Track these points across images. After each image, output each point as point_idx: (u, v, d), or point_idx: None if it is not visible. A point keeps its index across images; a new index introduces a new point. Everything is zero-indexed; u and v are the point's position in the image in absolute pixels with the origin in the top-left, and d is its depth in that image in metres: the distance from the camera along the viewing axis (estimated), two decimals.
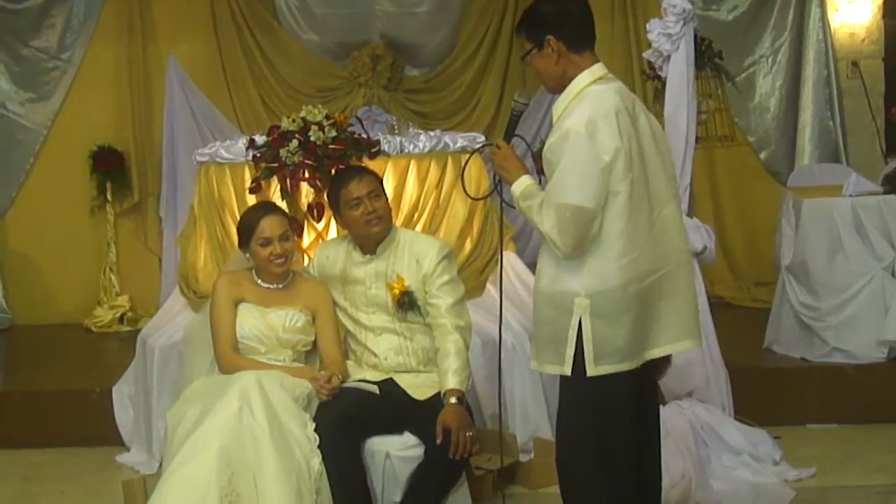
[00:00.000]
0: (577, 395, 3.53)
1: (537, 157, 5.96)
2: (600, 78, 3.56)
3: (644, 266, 3.48)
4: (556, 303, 3.50)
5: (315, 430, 4.13)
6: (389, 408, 4.36)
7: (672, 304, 3.57)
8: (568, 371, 3.49)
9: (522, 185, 3.59)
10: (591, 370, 3.46)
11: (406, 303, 4.44)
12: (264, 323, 4.44)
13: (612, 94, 3.50)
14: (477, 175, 5.80)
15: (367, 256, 4.54)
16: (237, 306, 4.48)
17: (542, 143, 4.10)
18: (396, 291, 4.44)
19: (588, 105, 3.45)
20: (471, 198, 4.60)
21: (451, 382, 4.28)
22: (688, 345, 3.66)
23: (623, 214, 3.42)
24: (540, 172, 4.18)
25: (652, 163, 3.53)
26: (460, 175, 4.48)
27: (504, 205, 3.85)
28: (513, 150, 3.74)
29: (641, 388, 3.61)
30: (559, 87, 3.60)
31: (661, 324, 3.56)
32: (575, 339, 3.46)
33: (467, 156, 4.36)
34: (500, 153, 3.71)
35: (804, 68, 8.28)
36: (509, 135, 3.80)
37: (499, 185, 3.82)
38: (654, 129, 3.62)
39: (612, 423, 3.54)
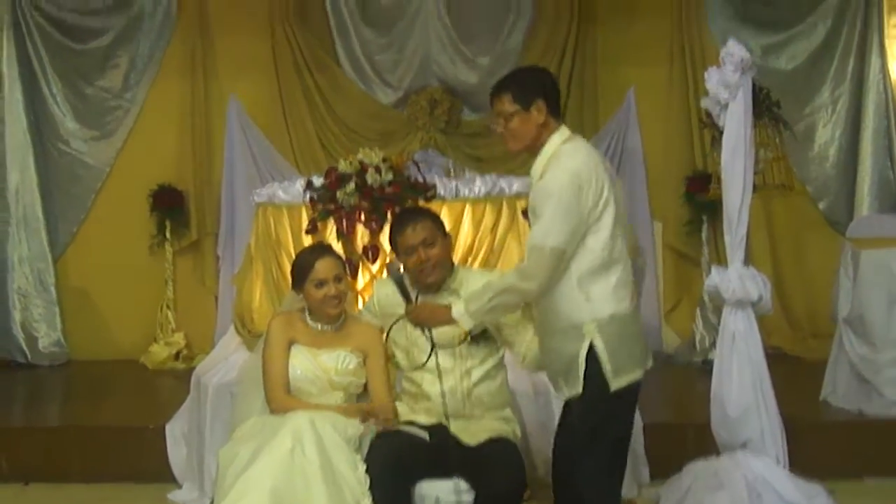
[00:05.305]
0: (601, 409, 3.97)
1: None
2: (568, 138, 4.05)
3: (630, 289, 4.01)
4: (566, 335, 3.97)
5: (366, 471, 4.12)
6: (440, 452, 4.34)
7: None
8: (581, 390, 3.94)
9: (461, 306, 4.12)
10: (614, 384, 3.93)
11: (478, 332, 4.42)
12: (316, 365, 4.45)
13: (582, 150, 4.02)
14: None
15: (430, 296, 4.52)
16: (290, 348, 4.50)
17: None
18: None
19: (566, 160, 3.95)
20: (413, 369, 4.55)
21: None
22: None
23: (605, 248, 3.92)
24: None
25: (620, 205, 4.01)
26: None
27: None
28: (424, 303, 4.29)
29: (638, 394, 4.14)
30: (527, 148, 4.12)
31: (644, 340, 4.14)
32: (585, 361, 3.92)
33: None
34: (419, 312, 4.29)
35: (864, 118, 8.23)
36: (408, 296, 4.36)
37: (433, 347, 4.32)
38: (613, 175, 4.10)
39: (624, 427, 4.11)
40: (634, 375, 4.00)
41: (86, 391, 7.66)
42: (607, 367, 3.91)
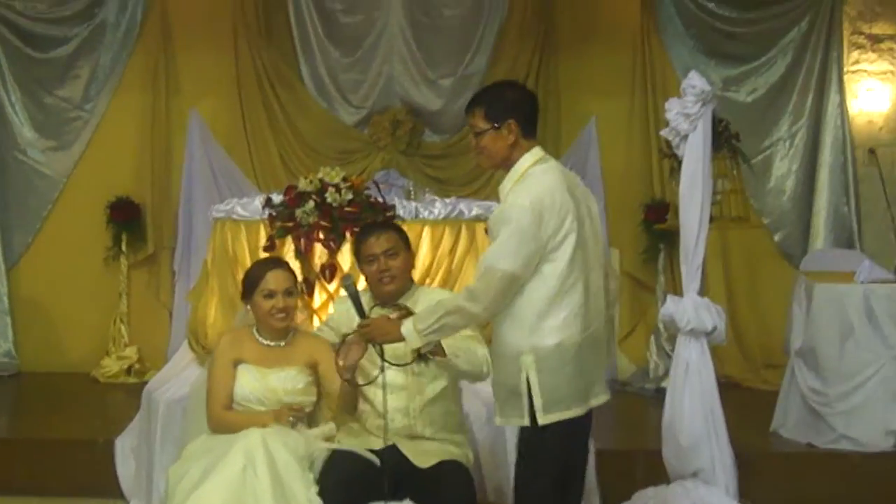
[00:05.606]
0: (536, 442, 3.90)
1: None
2: (540, 159, 3.96)
3: (580, 323, 3.87)
4: (508, 361, 3.90)
5: (318, 492, 4.10)
6: (392, 475, 4.31)
7: (602, 359, 4.05)
8: (526, 422, 3.88)
9: (410, 324, 3.95)
10: (542, 419, 3.84)
11: (426, 353, 4.37)
12: (265, 385, 4.42)
13: (551, 174, 3.92)
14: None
15: (384, 311, 4.49)
16: (237, 367, 4.47)
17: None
18: None
19: (531, 184, 3.87)
20: (359, 385, 4.47)
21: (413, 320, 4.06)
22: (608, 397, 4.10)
23: (560, 278, 3.83)
24: None
25: (586, 230, 3.94)
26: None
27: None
28: (377, 319, 4.16)
29: (588, 427, 4.07)
30: (499, 166, 4.03)
31: (597, 375, 4.00)
32: (526, 392, 3.85)
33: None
34: (371, 328, 4.12)
35: (821, 153, 8.31)
36: (362, 311, 4.20)
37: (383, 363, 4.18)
38: (589, 202, 4.06)
39: (565, 461, 3.98)
40: (569, 413, 3.87)
41: (35, 403, 7.57)
42: (538, 400, 3.83)
